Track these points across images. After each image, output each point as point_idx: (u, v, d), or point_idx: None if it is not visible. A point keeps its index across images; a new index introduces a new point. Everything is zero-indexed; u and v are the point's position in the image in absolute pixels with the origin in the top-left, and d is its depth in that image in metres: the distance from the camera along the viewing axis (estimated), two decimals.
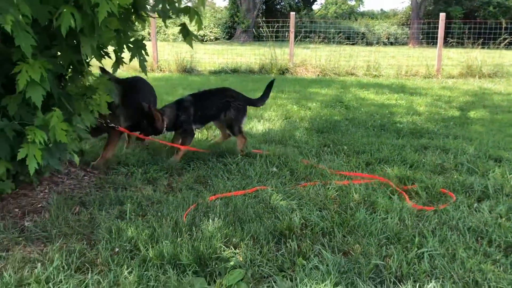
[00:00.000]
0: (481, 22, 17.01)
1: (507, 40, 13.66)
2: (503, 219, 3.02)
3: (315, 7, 43.99)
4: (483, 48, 13.98)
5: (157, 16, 3.53)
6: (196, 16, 3.48)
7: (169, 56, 13.45)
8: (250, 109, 6.17)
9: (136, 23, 3.63)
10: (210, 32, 31.89)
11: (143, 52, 3.54)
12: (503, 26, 14.80)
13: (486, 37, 14.65)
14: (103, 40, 2.99)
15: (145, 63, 3.57)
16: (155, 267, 2.38)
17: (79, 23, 2.64)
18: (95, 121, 3.60)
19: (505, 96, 9.05)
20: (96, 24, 2.73)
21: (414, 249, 2.60)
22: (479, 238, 2.80)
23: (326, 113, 6.87)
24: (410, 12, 34.16)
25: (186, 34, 3.59)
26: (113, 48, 3.31)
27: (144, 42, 3.53)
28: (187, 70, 12.69)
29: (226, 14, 33.07)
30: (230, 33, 31.96)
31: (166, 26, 3.94)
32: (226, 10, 34.10)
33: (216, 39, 31.45)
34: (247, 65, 13.27)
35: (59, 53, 3.11)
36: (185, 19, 3.58)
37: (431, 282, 2.28)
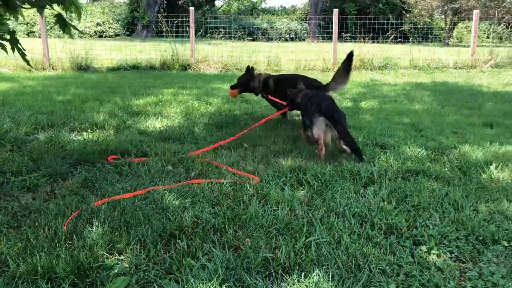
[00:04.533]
0: (372, 18, 18.15)
1: (393, 35, 14.71)
2: (385, 202, 3.20)
3: (218, 3, 44.06)
4: (373, 42, 14.93)
5: (29, 6, 3.24)
6: (73, 6, 3.24)
7: (62, 54, 12.61)
8: (148, 107, 5.97)
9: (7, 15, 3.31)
10: (109, 28, 30.55)
11: (19, 46, 3.24)
12: (391, 21, 15.92)
13: (376, 32, 15.66)
14: None
15: (25, 58, 3.27)
16: (26, 283, 2.16)
17: None
18: None
19: (392, 87, 9.71)
20: None
21: (302, 238, 2.64)
22: (363, 223, 2.92)
23: (226, 108, 6.86)
24: (309, 8, 35.52)
25: (64, 26, 3.34)
26: None
27: (34, 38, 3.22)
28: (83, 68, 12.01)
29: (125, 10, 31.88)
30: (130, 29, 30.88)
31: (46, 19, 3.65)
32: (125, 5, 32.88)
33: (116, 35, 30.20)
34: (147, 61, 12.90)
35: None
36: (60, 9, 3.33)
37: (316, 270, 2.32)
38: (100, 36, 29.50)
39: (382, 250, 2.57)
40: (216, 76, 11.23)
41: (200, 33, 14.16)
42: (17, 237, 2.61)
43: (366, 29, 16.36)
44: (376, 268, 2.37)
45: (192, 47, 12.90)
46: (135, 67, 12.61)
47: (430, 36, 22.04)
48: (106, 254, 2.46)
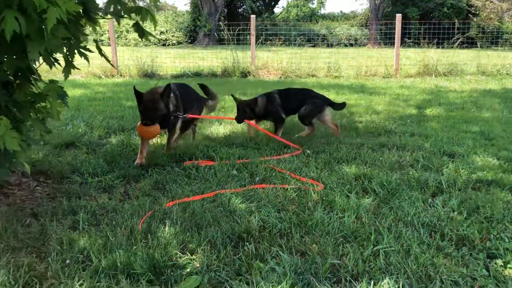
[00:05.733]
0: (436, 23, 17.57)
1: (459, 40, 14.16)
2: (455, 213, 3.10)
3: (277, 10, 44.35)
4: (438, 47, 14.45)
5: (109, 17, 3.45)
6: (149, 15, 3.42)
7: (129, 61, 13.22)
8: (212, 113, 6.14)
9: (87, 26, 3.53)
10: (172, 36, 31.61)
11: (102, 53, 3.43)
12: (456, 26, 15.34)
13: (441, 37, 15.14)
14: (51, 46, 2.88)
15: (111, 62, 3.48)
16: (108, 277, 2.31)
17: (24, 28, 2.54)
18: (46, 129, 3.49)
19: (459, 94, 9.35)
20: (45, 31, 2.63)
21: (370, 246, 2.63)
22: (432, 233, 2.86)
23: None
24: (369, 14, 34.94)
25: (141, 34, 3.52)
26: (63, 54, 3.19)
27: (102, 46, 3.44)
28: (148, 75, 12.53)
29: (188, 18, 32.88)
30: (192, 37, 31.79)
31: (124, 30, 3.89)
32: (187, 14, 33.91)
33: (179, 43, 31.20)
34: (209, 69, 13.24)
35: (4, 59, 2.99)
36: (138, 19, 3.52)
37: (385, 278, 2.30)
38: (164, 44, 30.62)
39: (453, 262, 2.50)
40: (276, 83, 11.32)
41: (260, 40, 14.34)
42: (97, 234, 2.79)
43: (430, 34, 15.86)
44: (448, 280, 2.32)
45: (252, 54, 13.09)
46: (197, 74, 12.98)
47: (500, 40, 20.95)
48: (179, 253, 2.57)
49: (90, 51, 3.31)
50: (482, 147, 4.83)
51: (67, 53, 3.11)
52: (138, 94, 4.27)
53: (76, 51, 3.18)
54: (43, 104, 3.33)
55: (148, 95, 4.29)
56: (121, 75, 12.54)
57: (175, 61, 14.97)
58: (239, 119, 5.32)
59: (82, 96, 8.72)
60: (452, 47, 14.16)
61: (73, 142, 4.90)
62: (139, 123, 4.27)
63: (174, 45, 30.51)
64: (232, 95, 5.60)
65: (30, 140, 3.47)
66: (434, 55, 13.24)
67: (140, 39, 3.76)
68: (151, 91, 4.32)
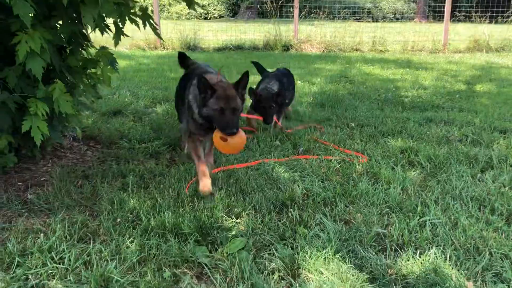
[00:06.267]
0: None
1: None
2: (506, 188, 3.00)
3: None
4: (490, 22, 13.74)
5: None
6: None
7: (172, 34, 13.31)
8: (253, 86, 6.14)
9: None
10: (214, 9, 31.49)
11: (151, 21, 3.46)
12: None
13: (495, 10, 14.36)
14: (104, 11, 2.93)
15: (157, 32, 3.51)
16: (157, 236, 2.39)
17: None
18: (97, 94, 3.60)
19: None
20: None
21: (416, 217, 2.59)
22: (481, 207, 2.78)
23: (330, 88, 6.81)
24: None
25: (189, 2, 3.52)
26: (114, 20, 3.23)
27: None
28: (191, 48, 12.59)
29: None
30: (234, 10, 31.55)
31: (167, 3, 3.90)
32: None
33: (220, 16, 31.07)
34: (251, 42, 13.14)
35: (59, 24, 3.08)
36: None
37: (432, 249, 2.27)
38: (205, 18, 30.60)
39: (504, 235, 2.44)
40: (319, 57, 11.14)
41: (303, 13, 14.07)
42: (146, 196, 2.88)
43: (484, 7, 15.07)
44: (497, 253, 2.26)
45: (295, 27, 12.88)
46: (239, 47, 12.93)
47: None
48: (225, 216, 2.63)
49: (140, 17, 3.35)
50: None
51: (118, 19, 3.17)
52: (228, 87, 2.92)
53: (126, 17, 3.23)
54: (94, 70, 3.43)
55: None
56: (164, 48, 12.66)
57: (216, 34, 14.97)
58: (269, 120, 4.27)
59: (127, 67, 8.89)
60: (506, 22, 13.43)
61: (120, 111, 5.03)
62: (216, 135, 2.85)
63: (216, 18, 30.41)
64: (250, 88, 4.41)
65: (82, 105, 3.60)
66: (486, 29, 12.62)
67: (182, 12, 3.71)
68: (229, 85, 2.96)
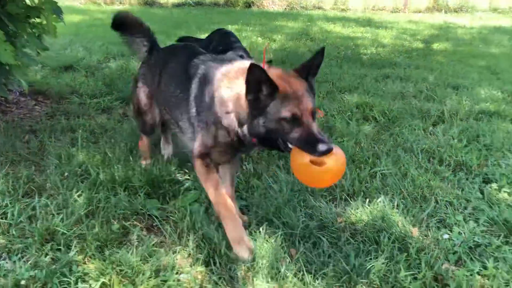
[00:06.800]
0: None
1: None
2: (455, 140, 3.09)
3: None
4: None
5: None
6: None
7: None
8: None
9: None
10: None
11: None
12: None
13: None
14: None
15: None
16: (106, 189, 2.33)
17: None
18: (42, 46, 3.40)
19: (468, 30, 9.09)
20: None
21: (367, 168, 2.63)
22: (431, 158, 2.86)
23: (291, 45, 6.74)
24: None
25: None
26: None
27: None
28: (149, 3, 12.14)
29: None
30: None
31: None
32: None
33: None
34: None
35: None
36: None
37: (380, 197, 2.32)
38: None
39: (449, 185, 2.52)
40: (280, 14, 10.98)
41: None
42: (96, 150, 2.79)
43: None
44: (443, 200, 2.34)
45: None
46: (199, 3, 12.56)
47: None
48: (177, 169, 2.58)
49: None
50: (487, 81, 4.75)
51: None
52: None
53: None
54: (38, 19, 3.23)
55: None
56: (120, 3, 12.16)
57: None
58: None
59: (80, 22, 8.49)
60: None
61: (71, 66, 4.81)
62: (303, 161, 1.77)
63: None
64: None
65: (26, 56, 3.40)
66: None
67: None
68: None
